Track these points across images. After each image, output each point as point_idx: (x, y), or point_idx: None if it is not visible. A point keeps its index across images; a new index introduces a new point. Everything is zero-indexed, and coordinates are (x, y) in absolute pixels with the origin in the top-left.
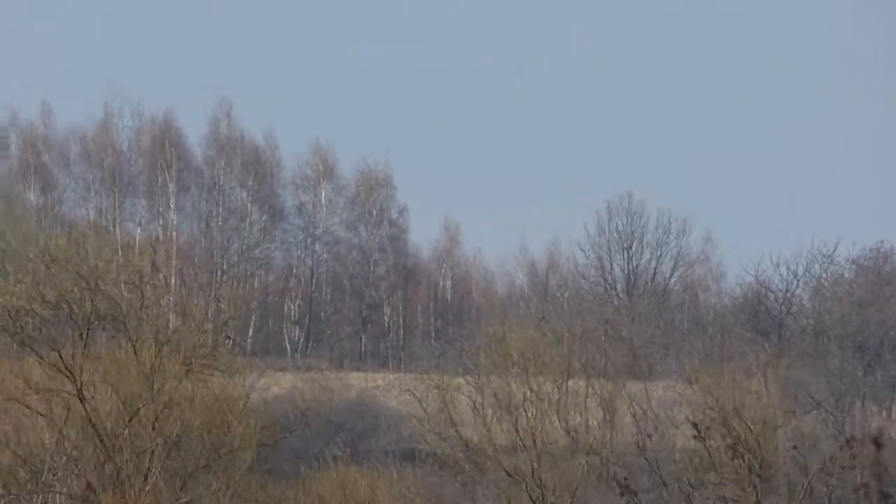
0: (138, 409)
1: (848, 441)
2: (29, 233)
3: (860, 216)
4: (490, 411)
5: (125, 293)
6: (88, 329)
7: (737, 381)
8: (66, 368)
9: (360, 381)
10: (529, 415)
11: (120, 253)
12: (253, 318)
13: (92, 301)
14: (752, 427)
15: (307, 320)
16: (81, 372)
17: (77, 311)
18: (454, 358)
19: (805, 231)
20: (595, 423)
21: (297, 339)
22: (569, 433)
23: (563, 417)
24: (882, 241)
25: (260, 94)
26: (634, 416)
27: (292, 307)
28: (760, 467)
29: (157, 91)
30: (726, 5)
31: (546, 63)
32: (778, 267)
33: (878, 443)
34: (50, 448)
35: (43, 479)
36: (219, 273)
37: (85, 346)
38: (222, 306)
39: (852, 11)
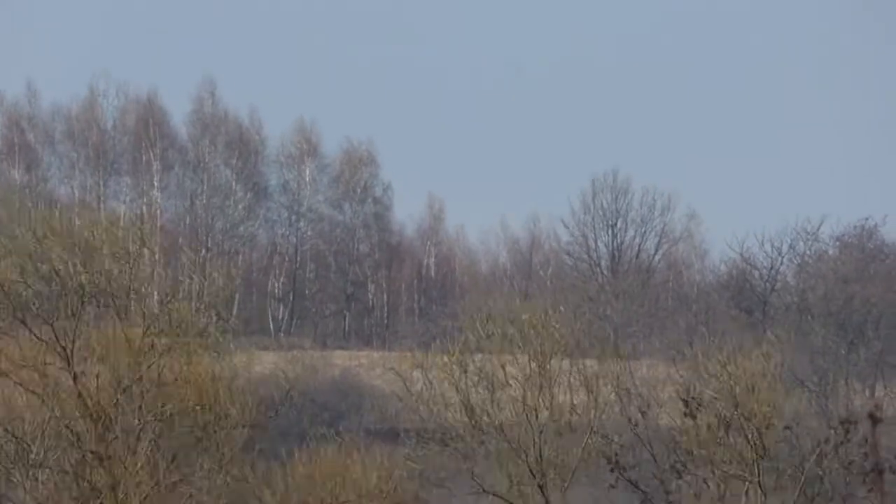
0: (128, 387)
1: (842, 421)
2: (15, 208)
3: (845, 193)
4: (475, 389)
5: (115, 269)
6: (81, 304)
7: (754, 358)
8: (59, 343)
9: (343, 360)
10: (515, 393)
11: (104, 230)
12: (237, 296)
13: (84, 274)
14: (760, 405)
15: (291, 298)
16: (73, 347)
17: (70, 284)
18: (438, 336)
19: (790, 208)
20: (579, 401)
21: (281, 317)
22: (553, 411)
23: (548, 395)
24: (867, 218)
25: (245, 74)
26: (619, 394)
27: (276, 284)
28: (763, 445)
29: (142, 68)
30: None
31: (534, 53)
32: (762, 244)
33: (874, 418)
34: (40, 423)
35: (33, 454)
36: (203, 251)
37: (77, 321)
38: (206, 283)
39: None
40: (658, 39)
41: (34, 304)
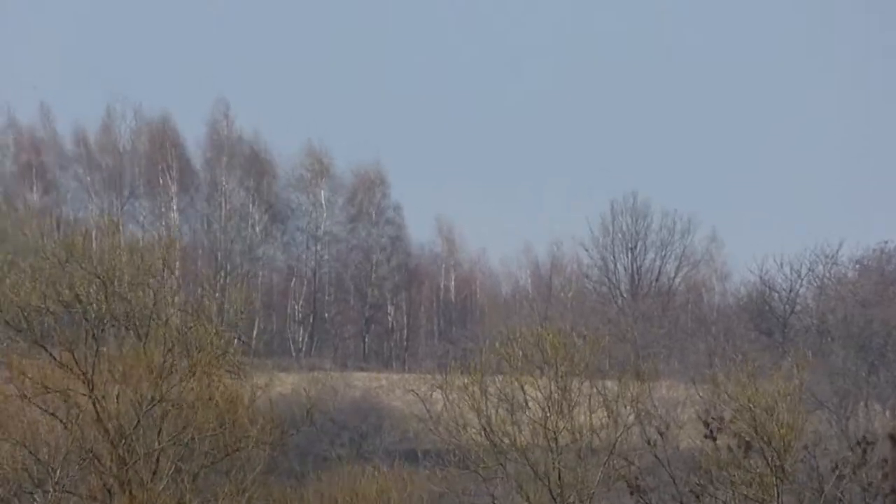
0: (148, 410)
1: (859, 442)
2: (35, 232)
3: (865, 216)
4: (495, 411)
5: (137, 293)
6: (102, 329)
7: (773, 380)
8: (79, 368)
9: (363, 381)
10: (535, 415)
11: (124, 253)
12: (257, 318)
13: (106, 300)
14: (779, 427)
15: (311, 320)
16: (93, 372)
17: (90, 310)
18: (459, 358)
19: (809, 231)
20: (600, 423)
21: (301, 339)
22: (574, 433)
23: (569, 417)
24: (886, 242)
25: (256, 94)
26: (639, 416)
27: (296, 307)
28: (782, 468)
29: (153, 90)
30: (734, 8)
31: (549, 64)
32: (782, 267)
33: (894, 439)
34: (64, 448)
35: (57, 478)
36: (222, 274)
37: (97, 346)
38: (227, 306)
39: (855, 14)
40: (664, 40)
41: (55, 330)
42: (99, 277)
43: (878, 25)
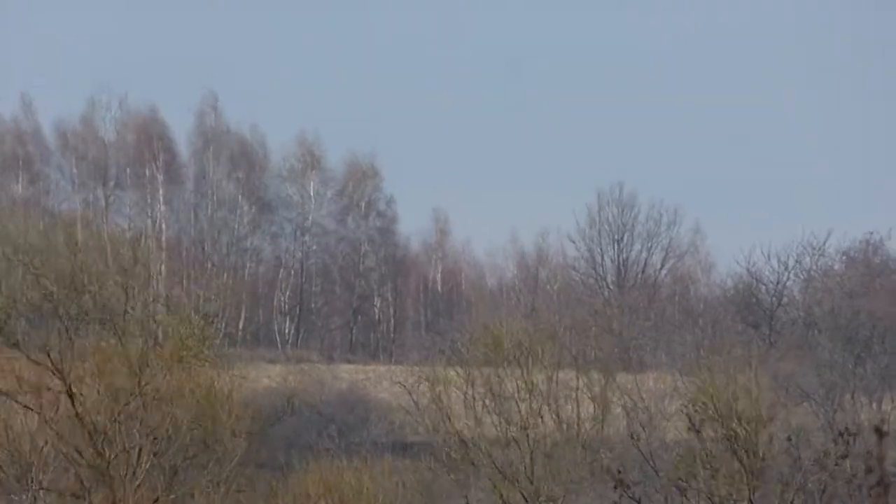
0: (126, 404)
1: (841, 433)
2: (15, 225)
3: (850, 207)
4: (481, 404)
5: (111, 289)
6: (76, 325)
7: (730, 375)
8: (55, 366)
9: (350, 373)
10: (521, 407)
11: (108, 247)
12: (243, 309)
13: (77, 301)
14: (745, 422)
15: (297, 312)
16: (70, 369)
17: (62, 310)
18: (445, 350)
19: (796, 222)
20: (586, 415)
21: (287, 330)
22: (560, 426)
23: (555, 410)
24: (871, 233)
25: (246, 85)
26: (625, 408)
27: (282, 299)
28: (753, 462)
29: (142, 82)
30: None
31: (537, 56)
32: (769, 259)
33: (880, 431)
34: (41, 444)
35: (33, 475)
36: (209, 265)
37: (72, 343)
38: (209, 298)
39: (839, 7)
40: (644, 30)
41: (28, 328)
42: (68, 280)
43: (867, 18)
